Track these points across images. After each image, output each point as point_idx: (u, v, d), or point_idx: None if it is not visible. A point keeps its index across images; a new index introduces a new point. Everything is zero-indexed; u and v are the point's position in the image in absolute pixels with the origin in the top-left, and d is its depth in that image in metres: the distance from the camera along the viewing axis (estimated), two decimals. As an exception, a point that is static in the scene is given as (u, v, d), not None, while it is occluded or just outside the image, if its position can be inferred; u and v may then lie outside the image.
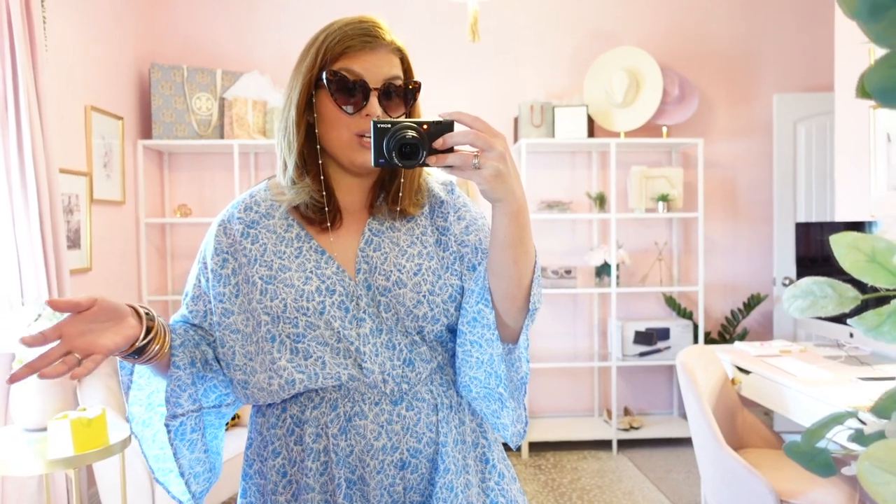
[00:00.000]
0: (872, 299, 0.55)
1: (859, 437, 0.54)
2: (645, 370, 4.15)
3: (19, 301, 2.39)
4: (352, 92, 0.95)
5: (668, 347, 3.83)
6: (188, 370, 0.98)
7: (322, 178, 0.99)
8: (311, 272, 0.98)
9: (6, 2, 2.32)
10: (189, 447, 1.00)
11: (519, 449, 3.73)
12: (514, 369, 0.99)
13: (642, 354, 3.83)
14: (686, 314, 4.00)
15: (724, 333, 4.03)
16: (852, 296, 0.53)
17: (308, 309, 0.96)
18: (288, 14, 3.93)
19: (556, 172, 4.07)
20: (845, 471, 0.58)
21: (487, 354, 0.96)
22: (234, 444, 2.67)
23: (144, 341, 0.90)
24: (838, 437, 0.62)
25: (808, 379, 2.26)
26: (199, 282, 1.03)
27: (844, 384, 2.20)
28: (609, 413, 3.95)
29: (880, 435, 0.51)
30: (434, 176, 1.10)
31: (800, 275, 3.00)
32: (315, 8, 3.92)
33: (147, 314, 0.92)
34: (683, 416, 4.04)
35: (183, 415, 0.98)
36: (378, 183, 1.05)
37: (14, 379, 0.81)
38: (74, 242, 2.94)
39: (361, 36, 0.95)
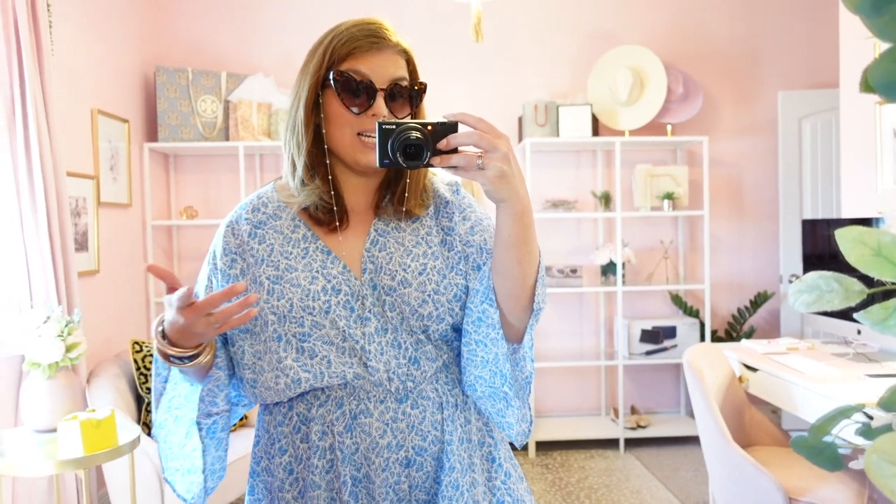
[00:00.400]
0: (879, 293, 0.55)
1: (866, 431, 0.54)
2: (651, 369, 4.14)
3: (28, 304, 2.41)
4: (358, 92, 0.96)
5: (674, 346, 3.82)
6: (226, 371, 1.01)
7: (330, 178, 1.00)
8: (317, 272, 0.99)
9: (13, 7, 2.34)
10: (216, 445, 1.03)
11: (526, 448, 3.73)
12: (519, 368, 1.00)
13: (649, 353, 3.83)
14: (692, 312, 3.99)
15: (731, 331, 4.02)
16: (858, 290, 0.53)
17: (314, 308, 0.97)
18: (291, 16, 3.94)
19: (560, 171, 4.07)
20: (853, 465, 0.58)
21: (492, 354, 0.97)
22: (241, 445, 2.68)
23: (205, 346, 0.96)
24: (846, 433, 0.62)
25: (815, 376, 2.26)
26: (211, 282, 1.04)
27: (852, 381, 2.19)
28: (616, 412, 3.94)
29: (887, 428, 0.51)
30: (439, 177, 1.11)
31: (807, 272, 2.99)
32: (318, 10, 3.93)
33: None
34: (691, 414, 4.04)
35: (217, 414, 1.00)
36: (384, 184, 1.05)
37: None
38: (82, 245, 2.96)
39: (368, 37, 0.96)
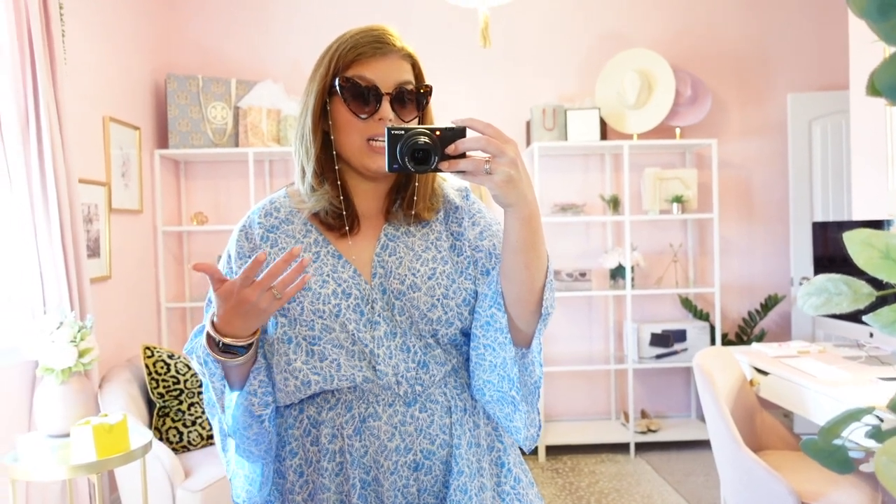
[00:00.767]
0: (889, 296, 0.55)
1: (877, 434, 0.54)
2: (661, 372, 4.12)
3: (41, 309, 2.43)
4: (364, 97, 0.97)
5: (684, 349, 3.80)
6: (267, 361, 1.01)
7: (339, 184, 1.02)
8: (328, 276, 1.00)
9: (27, 16, 2.37)
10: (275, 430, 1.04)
11: (536, 452, 3.72)
12: (528, 373, 1.00)
13: (659, 356, 3.81)
14: (702, 316, 3.97)
15: (742, 335, 4.00)
16: (867, 292, 0.53)
17: (324, 312, 0.98)
18: (300, 23, 3.97)
19: (569, 175, 4.07)
20: (863, 468, 0.58)
21: (500, 358, 0.97)
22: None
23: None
24: (857, 436, 0.62)
25: (827, 379, 2.24)
26: None
27: (864, 384, 2.18)
28: (626, 416, 3.93)
29: (897, 431, 0.51)
30: (449, 182, 1.12)
31: (817, 275, 2.97)
32: (327, 16, 3.96)
33: None
34: (701, 418, 4.01)
35: (273, 401, 1.00)
36: (394, 189, 1.07)
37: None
38: (94, 251, 2.99)
39: (372, 43, 0.98)
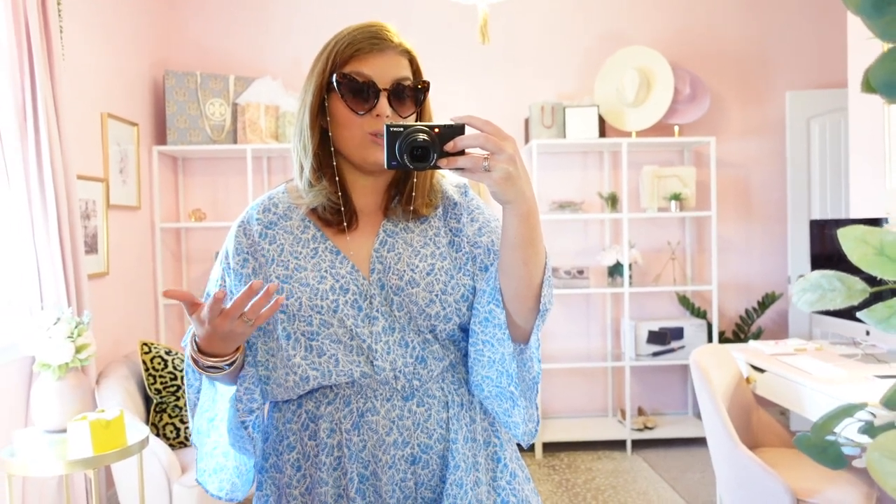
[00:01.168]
0: (882, 292, 0.55)
1: (869, 429, 0.54)
2: (659, 370, 4.13)
3: (39, 305, 2.43)
4: (362, 93, 0.97)
5: (681, 347, 3.81)
6: (254, 369, 1.03)
7: (337, 180, 1.02)
8: (326, 271, 1.00)
9: (24, 12, 2.36)
10: (262, 437, 1.07)
11: (533, 449, 3.73)
12: (526, 369, 1.01)
13: (656, 354, 3.82)
14: (700, 313, 3.98)
15: (739, 333, 4.01)
16: (860, 288, 0.53)
17: (322, 307, 0.98)
18: (299, 19, 3.96)
19: (567, 173, 4.07)
20: (856, 463, 0.58)
21: (499, 354, 0.98)
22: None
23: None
24: (850, 432, 0.62)
25: (823, 377, 2.25)
26: (224, 281, 1.06)
27: (860, 382, 2.19)
28: (623, 413, 3.94)
29: (890, 426, 0.52)
30: (448, 179, 1.12)
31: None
32: (326, 13, 3.95)
33: None
34: (698, 415, 4.02)
35: (258, 408, 1.02)
36: (392, 185, 1.07)
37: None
38: (92, 247, 2.98)
39: (369, 39, 0.98)
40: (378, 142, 0.97)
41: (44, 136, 2.41)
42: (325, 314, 0.98)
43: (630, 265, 3.83)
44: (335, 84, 0.98)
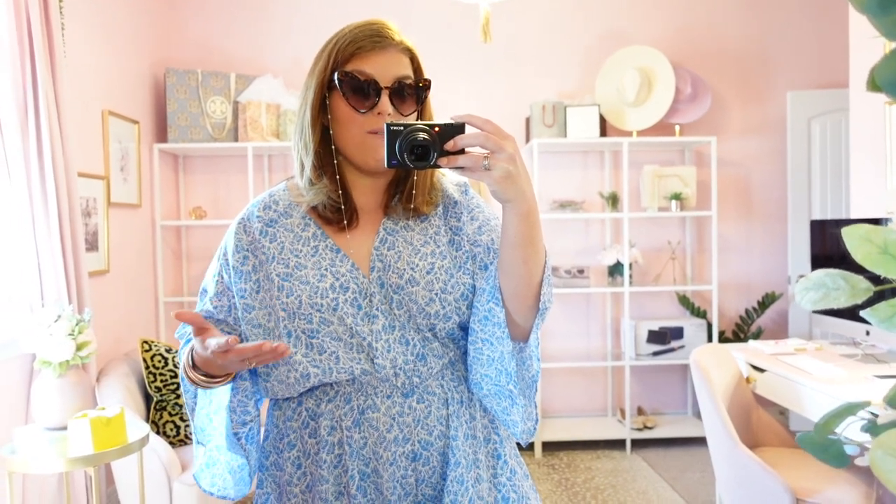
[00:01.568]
0: (886, 291, 0.55)
1: (872, 428, 0.54)
2: (658, 369, 4.13)
3: (39, 303, 2.43)
4: (363, 91, 0.97)
5: (681, 346, 3.81)
6: (251, 380, 1.04)
7: (338, 178, 1.02)
8: (326, 270, 1.00)
9: (26, 9, 2.36)
10: (256, 447, 1.08)
11: (532, 448, 3.73)
12: (525, 367, 1.01)
13: (656, 354, 3.82)
14: (700, 313, 3.98)
15: (739, 332, 4.01)
16: (864, 287, 0.54)
17: (322, 305, 0.98)
18: (300, 18, 3.96)
19: (568, 172, 4.07)
20: (858, 461, 0.58)
21: (498, 352, 0.98)
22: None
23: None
24: (852, 431, 0.62)
25: (823, 377, 2.25)
26: (222, 277, 1.06)
27: (860, 382, 2.19)
28: (623, 412, 3.94)
29: (893, 425, 0.52)
30: (448, 177, 1.12)
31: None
32: (327, 11, 3.95)
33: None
34: (698, 415, 4.02)
35: (252, 420, 1.04)
36: (393, 183, 1.07)
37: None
38: (92, 245, 2.98)
39: (371, 37, 0.98)
40: (377, 140, 0.97)
41: (45, 134, 2.41)
42: (325, 312, 0.98)
43: (630, 265, 3.83)
44: (336, 82, 0.98)
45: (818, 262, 2.96)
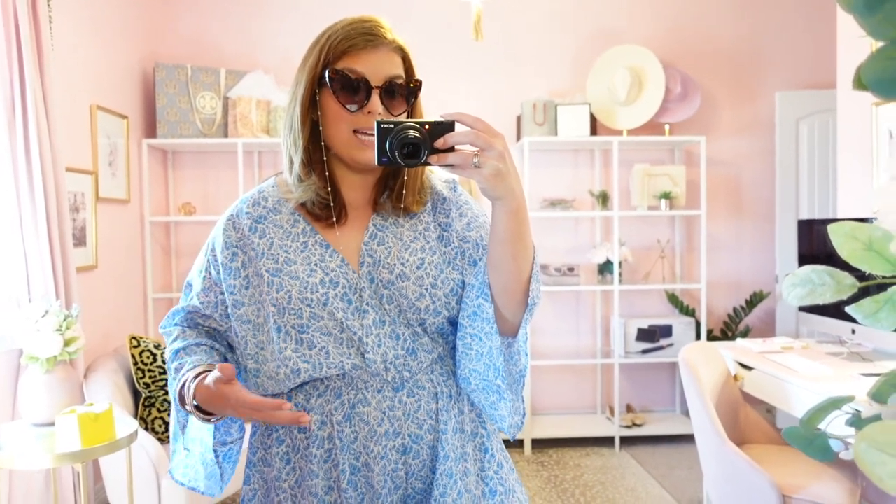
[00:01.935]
0: (871, 287, 0.56)
1: (856, 422, 0.55)
2: (647, 367, 4.16)
3: (27, 298, 2.41)
4: (354, 90, 0.97)
5: (670, 345, 3.84)
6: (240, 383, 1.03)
7: (327, 175, 1.02)
8: (316, 265, 1.00)
9: (13, 2, 2.34)
10: (232, 466, 1.06)
11: (521, 445, 3.74)
12: (513, 362, 1.02)
13: (645, 352, 3.84)
14: (688, 311, 4.00)
15: (727, 331, 4.04)
16: (850, 283, 0.54)
17: (312, 300, 0.98)
18: (292, 13, 3.94)
19: (558, 170, 4.08)
20: (843, 455, 0.59)
21: (487, 347, 0.98)
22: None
23: None
24: (837, 426, 0.63)
25: (810, 375, 2.27)
26: (210, 273, 1.05)
27: (846, 380, 2.21)
28: (612, 410, 3.96)
29: (877, 418, 0.53)
30: (437, 174, 1.12)
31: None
32: (319, 7, 3.94)
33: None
34: (686, 413, 4.05)
35: (232, 442, 1.03)
36: (382, 180, 1.07)
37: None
38: (80, 240, 2.96)
39: (363, 35, 0.97)
40: (364, 140, 0.97)
41: (32, 128, 2.39)
42: (315, 307, 0.98)
43: (620, 263, 3.84)
44: (327, 80, 0.98)
45: (805, 261, 2.99)
